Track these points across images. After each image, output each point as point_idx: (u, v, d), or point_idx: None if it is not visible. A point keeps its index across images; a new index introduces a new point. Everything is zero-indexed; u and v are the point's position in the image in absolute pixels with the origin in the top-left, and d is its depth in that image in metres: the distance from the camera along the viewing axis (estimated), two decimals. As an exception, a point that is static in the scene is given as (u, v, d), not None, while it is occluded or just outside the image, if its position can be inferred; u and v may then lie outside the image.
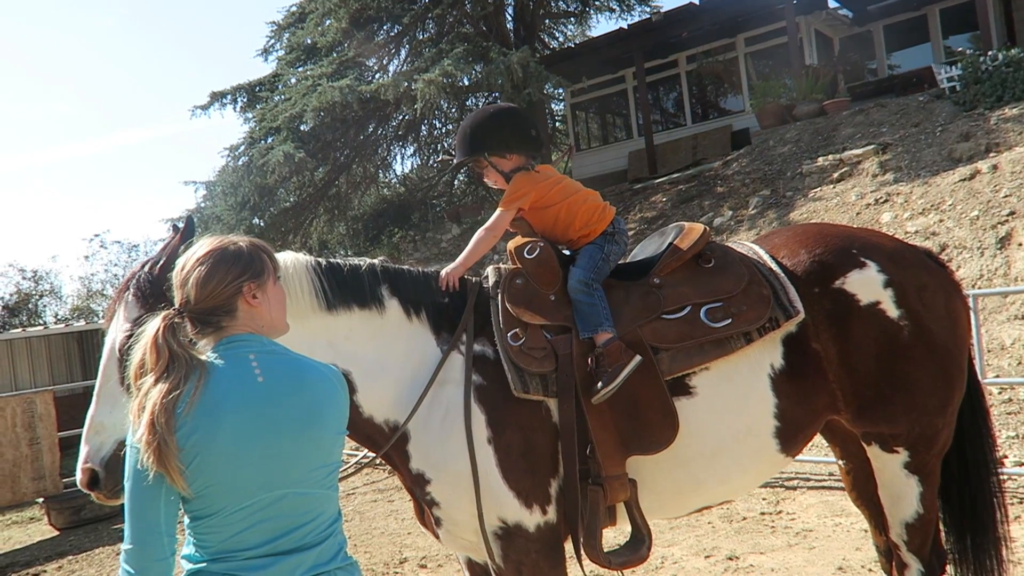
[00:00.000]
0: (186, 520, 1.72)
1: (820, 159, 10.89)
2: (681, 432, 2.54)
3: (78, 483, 2.28)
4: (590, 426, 2.54)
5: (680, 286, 2.74)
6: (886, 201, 9.02)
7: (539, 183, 2.90)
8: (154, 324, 1.73)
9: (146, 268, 2.38)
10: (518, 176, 2.89)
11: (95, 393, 2.33)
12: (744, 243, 3.00)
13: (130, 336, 2.30)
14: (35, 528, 8.77)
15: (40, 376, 15.13)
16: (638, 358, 2.56)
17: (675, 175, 14.20)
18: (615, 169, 17.96)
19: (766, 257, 2.84)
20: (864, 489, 3.12)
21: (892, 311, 2.69)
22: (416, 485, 2.59)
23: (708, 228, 2.93)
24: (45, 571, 6.87)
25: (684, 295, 2.71)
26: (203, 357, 1.74)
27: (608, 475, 2.52)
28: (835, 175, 10.34)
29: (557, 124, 21.75)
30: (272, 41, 17.96)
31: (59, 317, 25.65)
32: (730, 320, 2.63)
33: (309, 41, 16.84)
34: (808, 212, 9.84)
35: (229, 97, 17.44)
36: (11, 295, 25.19)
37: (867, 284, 2.72)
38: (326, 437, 1.74)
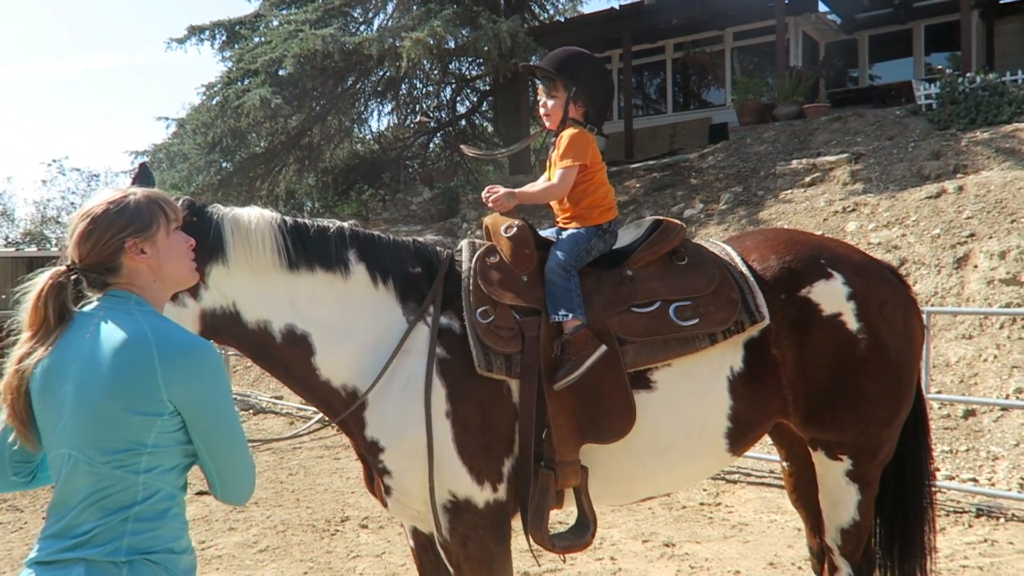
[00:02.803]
0: None
1: (794, 162, 11.02)
2: (637, 424, 2.58)
3: None
4: (549, 411, 2.55)
5: (652, 280, 2.75)
6: (853, 210, 9.18)
7: (592, 143, 2.88)
8: (40, 281, 1.71)
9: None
10: (580, 132, 2.86)
11: None
12: (717, 243, 3.03)
13: None
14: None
15: (-15, 299, 14.69)
16: (603, 348, 2.57)
17: (651, 162, 14.24)
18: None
19: (737, 259, 2.87)
20: (804, 491, 3.21)
21: (852, 323, 2.76)
22: (369, 452, 2.59)
23: (684, 226, 2.94)
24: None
25: (655, 290, 2.73)
26: (75, 309, 1.73)
27: (562, 460, 2.55)
28: (807, 179, 10.48)
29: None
30: (257, -21, 17.42)
31: (9, 240, 24.89)
32: (697, 320, 2.66)
33: (295, -16, 16.38)
34: (777, 213, 9.97)
35: (208, 33, 16.95)
36: (-40, 213, 24.34)
37: (831, 295, 2.77)
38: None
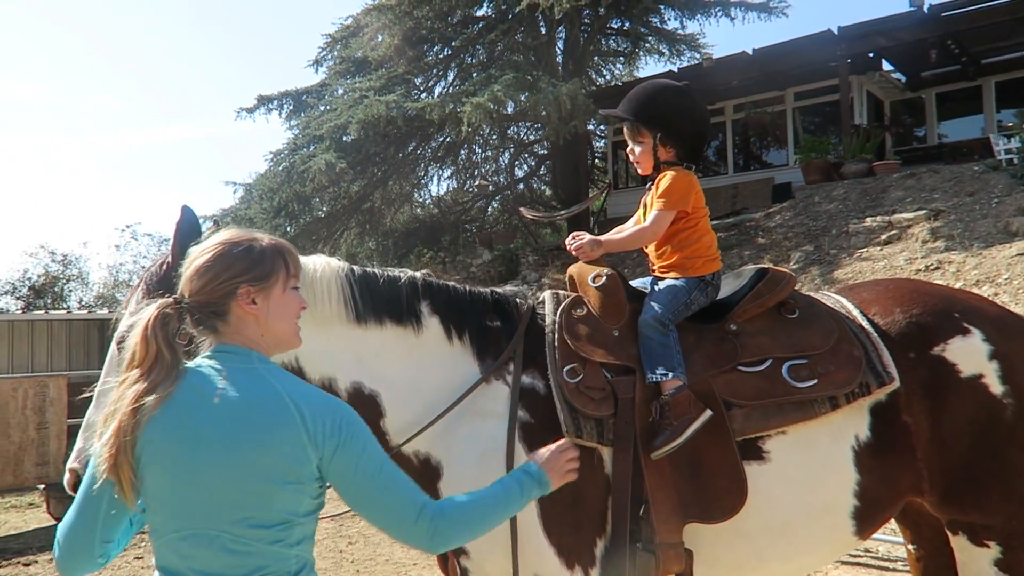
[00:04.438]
0: None
1: (868, 219, 10.62)
2: (749, 502, 2.27)
3: (64, 484, 2.15)
4: (646, 484, 2.26)
5: (760, 335, 2.47)
6: (937, 268, 8.72)
7: (696, 187, 2.64)
8: (147, 313, 1.58)
9: (156, 265, 2.29)
10: (681, 173, 2.62)
11: (96, 392, 2.22)
12: (829, 294, 2.74)
13: (127, 330, 2.18)
14: (33, 515, 8.59)
15: (57, 360, 15.08)
16: (708, 413, 2.29)
17: (714, 221, 13.96)
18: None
19: (856, 312, 2.57)
20: None
21: (996, 387, 2.41)
22: None
23: (794, 276, 2.67)
24: (36, 561, 6.67)
25: (764, 346, 2.45)
26: (187, 363, 1.57)
27: (662, 541, 2.24)
28: (883, 237, 10.06)
29: (596, 161, 21.66)
30: (324, 52, 18.11)
31: (83, 303, 25.83)
32: (816, 380, 2.36)
33: (360, 55, 16.95)
34: (854, 272, 9.55)
35: (276, 102, 17.60)
36: (39, 276, 25.42)
37: (970, 354, 2.44)
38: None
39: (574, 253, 2.64)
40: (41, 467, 8.24)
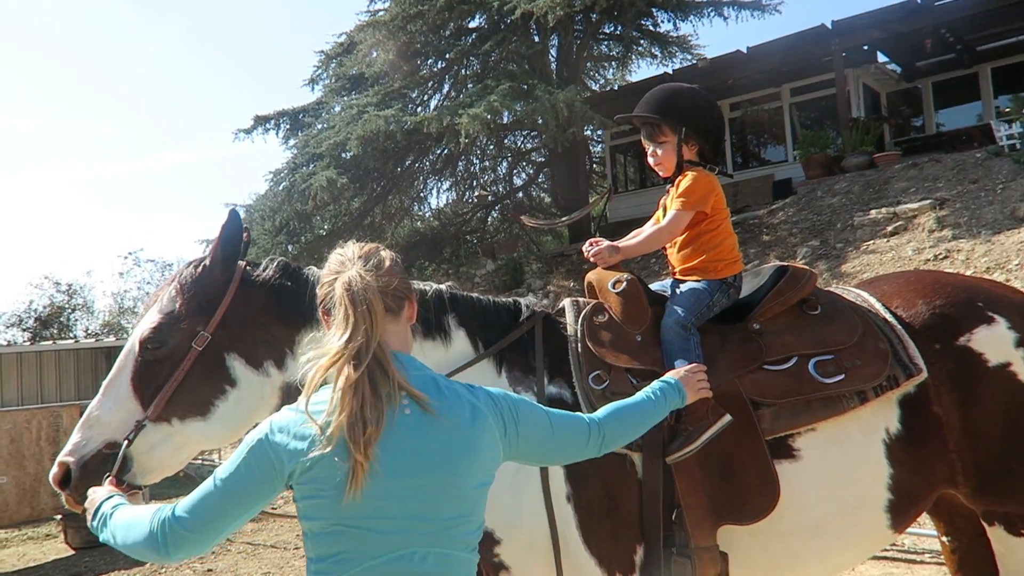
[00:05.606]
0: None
1: (873, 212, 10.59)
2: (782, 501, 2.24)
3: (50, 477, 2.12)
4: (678, 488, 2.23)
5: (783, 334, 2.44)
6: (946, 257, 8.69)
7: (717, 188, 2.60)
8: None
9: (191, 266, 2.28)
10: (701, 173, 2.59)
11: (103, 384, 2.18)
12: (850, 288, 2.71)
13: (157, 328, 2.16)
14: (50, 546, 8.55)
15: (67, 390, 15.07)
16: (727, 418, 2.25)
17: (717, 221, 13.93)
18: (652, 213, 17.72)
19: (878, 306, 2.55)
20: (974, 572, 2.75)
21: None
22: (482, 544, 2.31)
23: (815, 272, 2.63)
24: (57, 593, 6.64)
25: (789, 344, 2.42)
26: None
27: (697, 545, 2.21)
28: (889, 228, 10.03)
29: (595, 166, 21.68)
30: (319, 71, 18.18)
31: (89, 332, 25.82)
32: (843, 376, 2.33)
33: (355, 71, 17.00)
34: (862, 265, 9.52)
35: (272, 122, 17.64)
36: (44, 307, 25.44)
37: (996, 342, 2.41)
38: (476, 491, 1.49)
39: (592, 260, 2.61)
40: (57, 497, 8.15)
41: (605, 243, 2.62)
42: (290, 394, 2.27)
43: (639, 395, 1.97)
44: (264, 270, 2.33)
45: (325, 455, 1.36)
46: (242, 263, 2.31)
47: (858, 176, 12.33)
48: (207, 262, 2.26)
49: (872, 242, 10.03)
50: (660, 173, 2.70)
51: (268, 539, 7.83)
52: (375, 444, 1.36)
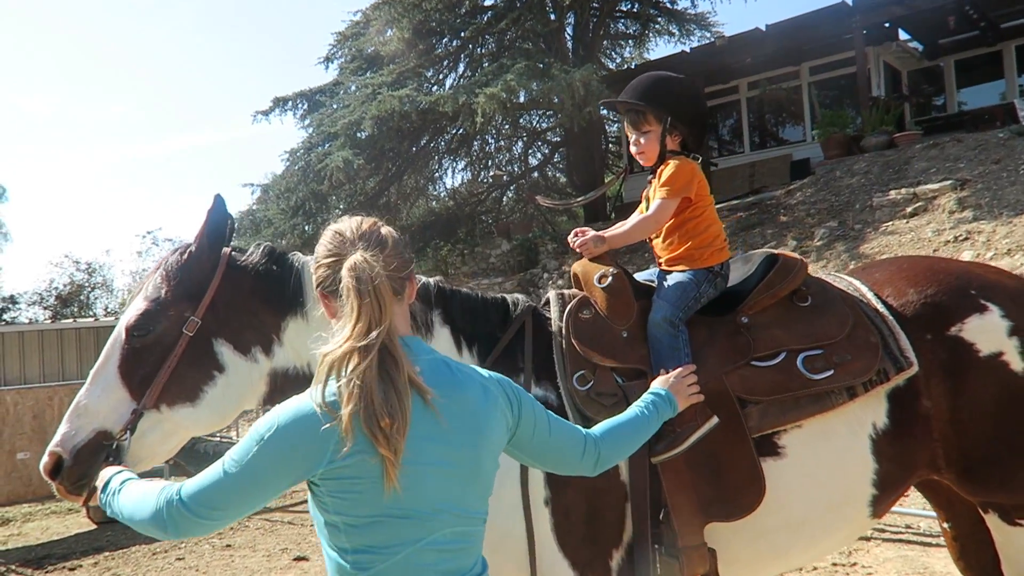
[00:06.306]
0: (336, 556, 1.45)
1: (892, 192, 10.47)
2: (767, 498, 2.22)
3: (40, 467, 2.10)
4: (664, 488, 2.22)
5: (773, 327, 2.39)
6: (966, 239, 8.59)
7: (700, 175, 2.56)
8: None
9: (177, 253, 2.27)
10: (683, 161, 2.56)
11: (91, 373, 2.18)
12: (841, 276, 2.66)
13: (143, 316, 2.15)
14: (73, 520, 8.73)
15: (87, 367, 15.13)
16: (714, 420, 2.23)
17: (734, 201, 13.84)
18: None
19: (869, 295, 2.50)
20: (975, 558, 2.73)
21: (1017, 363, 2.34)
22: None
23: (806, 261, 2.57)
24: (81, 565, 6.79)
25: (777, 338, 2.37)
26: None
27: (685, 544, 2.19)
28: (908, 209, 9.92)
29: (610, 146, 21.55)
30: (335, 50, 18.12)
31: (108, 310, 26.13)
32: (832, 371, 2.29)
33: (370, 51, 16.94)
34: (880, 247, 9.44)
35: (291, 103, 17.64)
36: (64, 286, 25.75)
37: (988, 332, 2.37)
38: (487, 463, 1.51)
39: (578, 250, 2.57)
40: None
41: (591, 233, 2.57)
42: (278, 381, 2.26)
43: (631, 411, 1.93)
44: (250, 255, 2.31)
45: (353, 451, 1.34)
46: (227, 249, 2.28)
47: (878, 156, 12.17)
48: (193, 248, 2.25)
49: (891, 223, 9.92)
50: (642, 162, 2.65)
51: (285, 516, 7.95)
52: (403, 437, 1.35)
